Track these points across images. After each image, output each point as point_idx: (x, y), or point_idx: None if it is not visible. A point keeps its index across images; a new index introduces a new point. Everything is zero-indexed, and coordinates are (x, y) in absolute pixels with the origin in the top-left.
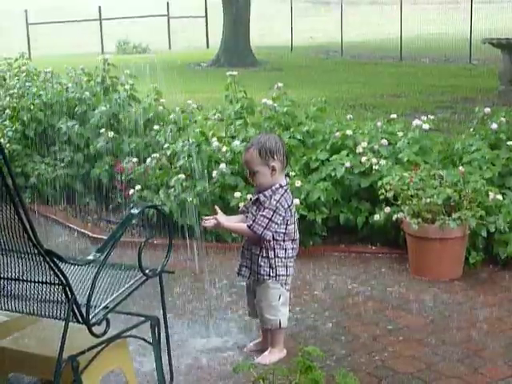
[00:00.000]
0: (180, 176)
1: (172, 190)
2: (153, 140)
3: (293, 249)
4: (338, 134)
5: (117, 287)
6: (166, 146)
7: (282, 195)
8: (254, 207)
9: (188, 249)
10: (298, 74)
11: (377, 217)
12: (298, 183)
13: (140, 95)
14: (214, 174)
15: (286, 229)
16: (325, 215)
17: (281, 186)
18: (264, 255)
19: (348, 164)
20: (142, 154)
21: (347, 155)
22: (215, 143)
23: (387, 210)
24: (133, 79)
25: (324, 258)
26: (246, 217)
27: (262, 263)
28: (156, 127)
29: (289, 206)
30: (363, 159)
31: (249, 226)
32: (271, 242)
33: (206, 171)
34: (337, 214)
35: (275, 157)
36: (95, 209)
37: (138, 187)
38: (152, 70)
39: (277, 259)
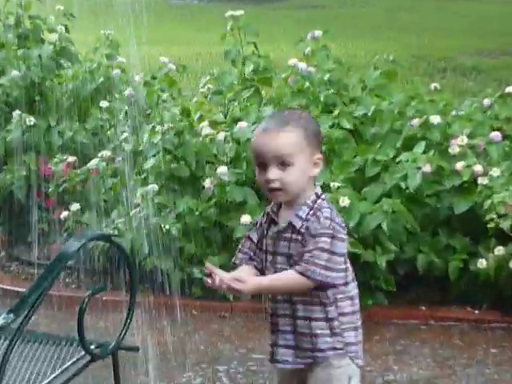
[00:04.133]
0: (149, 187)
1: (136, 210)
2: (102, 126)
3: (357, 295)
4: (416, 121)
5: (44, 373)
6: (123, 136)
7: (331, 209)
8: (284, 243)
9: (161, 309)
10: (346, 14)
11: (482, 262)
12: (344, 201)
13: (81, 49)
14: (207, 183)
15: (345, 262)
16: (391, 255)
17: (318, 197)
18: (321, 316)
19: (428, 167)
20: (83, 149)
21: (426, 152)
22: (207, 130)
23: (499, 249)
24: (69, 20)
25: (393, 327)
26: (256, 267)
27: (319, 330)
28: (107, 105)
29: (345, 225)
30: (458, 166)
31: (300, 272)
32: (330, 291)
33: (192, 178)
34: (412, 253)
35: (320, 147)
36: (4, 242)
37: (75, 206)
38: (103, 6)
39: (341, 318)
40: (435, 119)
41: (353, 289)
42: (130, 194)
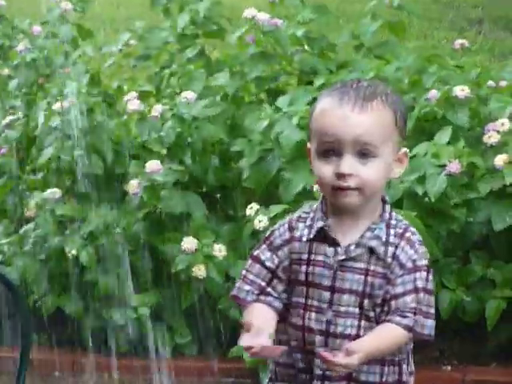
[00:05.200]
0: (48, 193)
1: (29, 227)
2: None
3: None
4: (434, 93)
5: None
6: (8, 118)
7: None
8: (356, 277)
9: (67, 370)
10: None
11: None
12: None
13: None
14: (132, 186)
15: None
16: None
17: (385, 202)
18: (393, 379)
19: (456, 165)
20: None
21: (452, 142)
22: (134, 105)
23: None
24: None
25: None
26: (271, 305)
27: (391, 379)
28: None
29: None
30: (498, 161)
31: (408, 327)
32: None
33: (110, 178)
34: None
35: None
36: None
37: None
38: None
39: (411, 379)
40: (462, 92)
41: None
42: (20, 202)
